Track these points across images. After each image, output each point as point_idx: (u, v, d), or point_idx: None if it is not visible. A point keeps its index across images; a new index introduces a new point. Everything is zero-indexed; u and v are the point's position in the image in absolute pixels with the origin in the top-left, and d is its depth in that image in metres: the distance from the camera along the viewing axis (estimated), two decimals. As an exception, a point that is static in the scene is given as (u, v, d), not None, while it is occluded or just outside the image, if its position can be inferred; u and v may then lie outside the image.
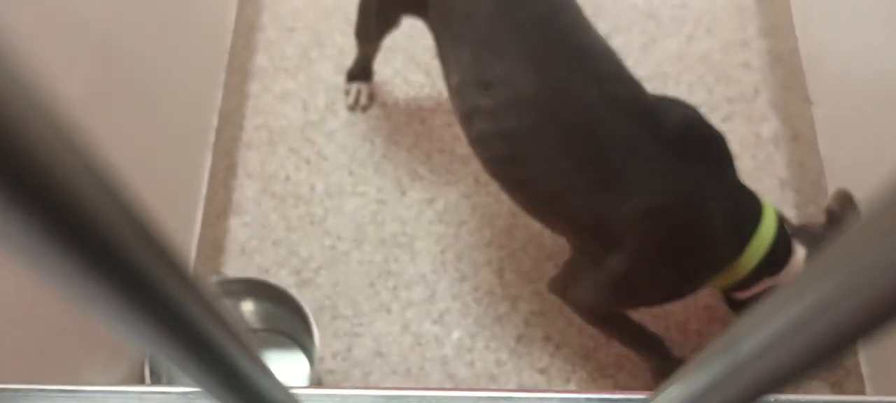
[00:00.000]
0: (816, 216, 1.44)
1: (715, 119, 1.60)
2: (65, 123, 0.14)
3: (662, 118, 1.02)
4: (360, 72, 1.60)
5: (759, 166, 1.56)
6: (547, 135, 1.01)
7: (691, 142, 1.03)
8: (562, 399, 0.32)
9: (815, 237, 1.09)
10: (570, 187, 1.02)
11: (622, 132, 0.99)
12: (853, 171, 1.35)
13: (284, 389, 0.25)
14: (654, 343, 1.27)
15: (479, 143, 1.09)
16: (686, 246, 1.03)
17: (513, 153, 1.04)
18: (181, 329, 0.19)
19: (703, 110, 1.60)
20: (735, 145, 1.59)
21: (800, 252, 1.08)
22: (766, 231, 1.06)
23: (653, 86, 1.63)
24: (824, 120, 1.47)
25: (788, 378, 0.20)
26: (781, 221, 1.09)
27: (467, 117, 1.08)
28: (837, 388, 1.34)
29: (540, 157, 1.02)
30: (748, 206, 1.06)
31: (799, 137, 1.54)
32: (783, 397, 0.40)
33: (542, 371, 1.38)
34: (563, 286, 1.19)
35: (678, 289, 1.11)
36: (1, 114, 0.12)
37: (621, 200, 0.99)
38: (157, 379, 1.16)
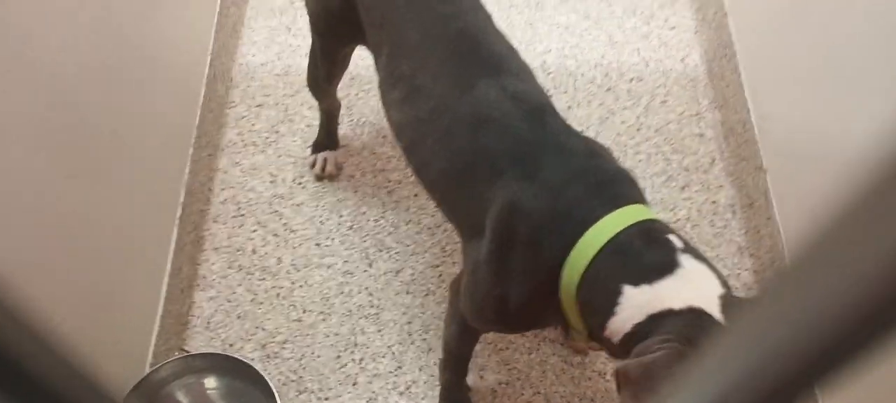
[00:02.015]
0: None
1: (673, 188, 1.65)
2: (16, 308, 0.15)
3: (549, 118, 1.00)
4: (326, 139, 1.63)
5: (718, 233, 1.60)
6: (437, 124, 1.04)
7: (571, 145, 0.97)
8: None
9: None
10: (454, 175, 1.03)
11: (507, 124, 0.98)
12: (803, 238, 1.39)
13: None
14: (460, 401, 1.34)
15: (396, 134, 1.14)
16: (520, 242, 0.93)
17: (412, 141, 1.09)
18: None
19: (662, 179, 1.66)
20: (693, 213, 1.63)
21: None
22: (588, 242, 0.87)
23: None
24: (778, 186, 1.52)
25: None
26: (630, 243, 0.86)
27: (386, 110, 1.15)
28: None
29: (431, 145, 1.05)
30: (586, 213, 0.89)
31: (754, 204, 1.59)
32: None
33: (510, 442, 1.37)
34: (457, 285, 1.14)
35: (519, 292, 0.95)
36: None
37: (491, 191, 0.97)
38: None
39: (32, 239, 1.01)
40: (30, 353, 0.17)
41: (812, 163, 1.41)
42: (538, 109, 1.01)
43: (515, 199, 0.93)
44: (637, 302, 0.83)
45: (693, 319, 0.80)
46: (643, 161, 1.69)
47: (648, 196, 1.63)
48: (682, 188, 1.66)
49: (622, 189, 0.94)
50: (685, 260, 0.85)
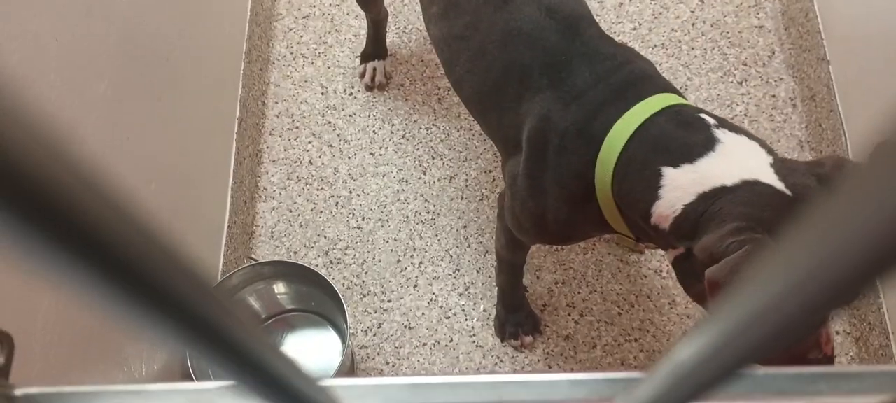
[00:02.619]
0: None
1: (730, 83, 1.61)
2: (84, 163, 0.16)
3: (584, 27, 0.97)
4: (374, 50, 1.63)
5: (777, 128, 1.57)
6: (471, 41, 1.04)
7: (601, 50, 0.94)
8: (570, 380, 0.35)
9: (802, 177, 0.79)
10: (487, 92, 1.02)
11: (538, 37, 0.97)
12: (872, 129, 1.36)
13: (309, 379, 0.28)
14: (516, 302, 1.36)
15: (436, 49, 1.14)
16: (550, 146, 0.92)
17: (449, 57, 1.09)
18: (200, 331, 0.22)
19: (718, 75, 1.62)
20: (751, 108, 1.60)
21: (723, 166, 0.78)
22: (616, 136, 0.85)
23: (666, 54, 1.65)
24: (841, 78, 1.47)
25: (768, 349, 0.20)
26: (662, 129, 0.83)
27: (427, 26, 1.15)
28: (861, 342, 1.36)
29: (465, 62, 1.05)
30: (611, 113, 0.87)
31: (816, 97, 1.54)
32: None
33: (567, 338, 1.42)
34: (502, 200, 1.15)
35: (555, 205, 0.94)
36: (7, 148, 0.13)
37: (523, 105, 0.96)
38: (197, 362, 1.21)
39: (105, 162, 1.06)
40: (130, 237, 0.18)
41: (878, 52, 1.36)
42: (573, 19, 0.98)
43: (544, 110, 0.92)
44: (681, 183, 0.79)
45: (752, 194, 0.75)
46: (698, 57, 1.65)
47: (703, 93, 1.60)
48: (740, 83, 1.62)
49: (647, 84, 0.90)
50: (723, 135, 0.81)
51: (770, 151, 0.80)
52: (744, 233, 0.71)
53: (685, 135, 0.82)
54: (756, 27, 1.68)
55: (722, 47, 1.66)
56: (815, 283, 0.16)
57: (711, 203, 0.77)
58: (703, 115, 0.84)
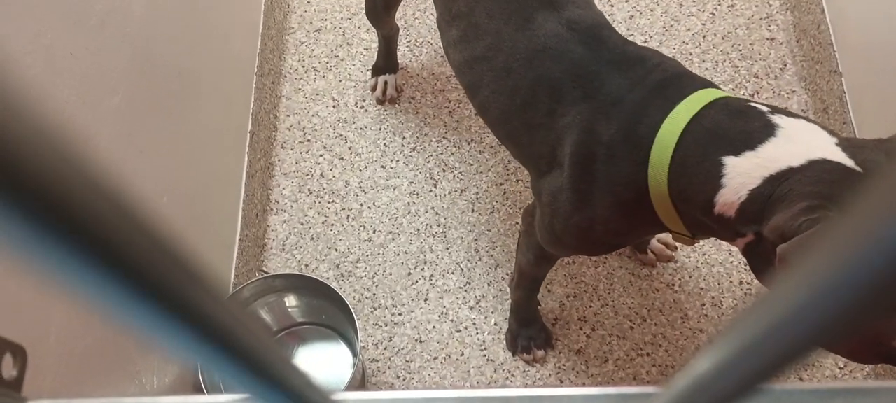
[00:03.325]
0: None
1: (742, 96, 1.60)
2: (97, 167, 0.16)
3: (606, 34, 0.97)
4: (385, 63, 1.64)
5: (789, 140, 1.56)
6: (495, 62, 1.03)
7: (628, 55, 0.94)
8: (583, 395, 0.34)
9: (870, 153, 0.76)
10: (516, 111, 1.01)
11: (563, 50, 0.96)
12: None
13: (322, 392, 0.28)
14: (530, 316, 1.37)
15: (457, 74, 1.12)
16: (597, 156, 0.91)
17: (472, 80, 1.07)
18: (213, 341, 0.21)
19: (730, 88, 1.61)
20: (764, 120, 1.59)
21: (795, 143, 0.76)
22: (666, 135, 0.84)
23: (678, 66, 1.64)
24: (855, 90, 1.46)
25: (836, 330, 0.18)
26: (713, 118, 0.82)
27: (446, 51, 1.14)
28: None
29: (490, 83, 1.04)
30: (655, 114, 0.86)
31: (829, 109, 1.53)
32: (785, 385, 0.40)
33: (579, 352, 1.40)
34: (530, 216, 1.14)
35: (606, 214, 0.94)
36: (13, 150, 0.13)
37: (555, 120, 0.95)
38: (209, 375, 1.21)
39: (118, 173, 1.06)
40: (140, 243, 0.18)
41: (891, 64, 1.35)
42: (594, 29, 0.98)
43: (584, 123, 0.91)
44: (745, 169, 0.77)
45: (821, 173, 0.72)
46: (710, 69, 1.64)
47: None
48: (752, 95, 1.61)
49: (686, 81, 0.89)
50: (781, 120, 0.78)
51: (833, 132, 0.78)
52: (816, 212, 0.68)
53: (741, 124, 0.80)
54: (768, 39, 1.67)
55: (733, 60, 1.65)
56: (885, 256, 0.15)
57: (779, 185, 0.74)
58: (754, 104, 0.83)
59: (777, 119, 0.79)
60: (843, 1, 1.53)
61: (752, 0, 1.72)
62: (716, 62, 1.65)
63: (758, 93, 1.61)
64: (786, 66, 1.64)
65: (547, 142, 0.97)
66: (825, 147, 0.74)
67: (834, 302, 0.17)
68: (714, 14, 1.71)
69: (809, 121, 0.79)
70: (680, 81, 0.89)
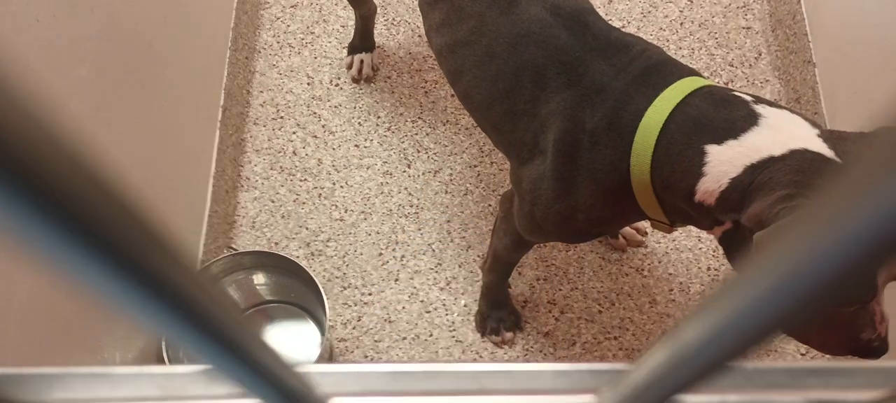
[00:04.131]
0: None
1: (716, 83, 1.62)
2: (66, 135, 0.15)
3: (590, 20, 0.96)
4: (361, 42, 1.62)
5: (761, 129, 1.58)
6: (478, 46, 1.02)
7: (613, 41, 0.93)
8: (553, 371, 0.34)
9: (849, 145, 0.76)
10: (498, 97, 1.00)
11: (546, 36, 0.96)
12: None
13: (287, 364, 0.27)
14: (500, 298, 1.37)
15: (439, 59, 1.11)
16: (581, 144, 0.91)
17: (454, 65, 1.06)
18: (179, 311, 0.21)
19: (705, 75, 1.62)
20: (737, 109, 1.60)
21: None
22: (649, 122, 0.84)
23: (654, 53, 1.65)
24: (827, 81, 1.48)
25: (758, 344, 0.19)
26: (698, 108, 0.82)
27: (427, 34, 1.13)
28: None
29: (472, 68, 1.03)
30: (639, 101, 0.86)
31: (801, 99, 1.55)
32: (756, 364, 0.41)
33: (547, 335, 1.41)
34: (508, 202, 1.13)
35: (588, 202, 0.93)
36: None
37: (538, 106, 0.95)
38: (172, 351, 1.19)
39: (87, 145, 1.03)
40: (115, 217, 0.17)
41: (865, 57, 1.37)
42: (578, 14, 0.97)
43: (568, 110, 0.91)
44: (727, 157, 0.77)
45: (801, 162, 0.72)
46: (686, 56, 1.65)
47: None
48: (726, 83, 1.62)
49: (670, 69, 0.90)
50: (764, 110, 0.79)
51: (815, 124, 0.78)
52: (794, 200, 0.69)
53: (725, 112, 0.80)
54: (744, 28, 1.69)
55: (709, 47, 1.66)
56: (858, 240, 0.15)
57: (759, 173, 0.75)
58: (738, 93, 0.83)
59: (760, 108, 0.79)
60: (818, -7, 1.54)
61: (729, -11, 1.73)
62: (692, 49, 1.66)
63: (732, 82, 1.62)
64: (760, 54, 1.66)
65: (530, 130, 0.96)
66: (807, 137, 0.74)
67: (799, 287, 0.18)
68: (691, 1, 1.71)
69: (793, 112, 0.80)
70: (664, 69, 0.89)
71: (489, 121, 1.05)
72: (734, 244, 0.79)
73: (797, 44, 1.58)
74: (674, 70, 0.89)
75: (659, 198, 0.86)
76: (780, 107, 0.81)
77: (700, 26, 1.68)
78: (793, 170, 0.72)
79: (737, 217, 0.76)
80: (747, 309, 0.20)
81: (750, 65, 1.64)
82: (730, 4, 1.71)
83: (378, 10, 1.63)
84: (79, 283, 0.17)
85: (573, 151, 0.91)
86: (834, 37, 1.48)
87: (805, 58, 1.54)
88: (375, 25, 1.64)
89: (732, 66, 1.64)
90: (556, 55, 0.94)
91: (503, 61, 0.99)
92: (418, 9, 1.16)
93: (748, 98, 0.82)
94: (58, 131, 0.15)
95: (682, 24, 1.69)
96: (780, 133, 0.76)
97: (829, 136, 0.75)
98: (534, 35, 0.96)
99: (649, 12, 1.70)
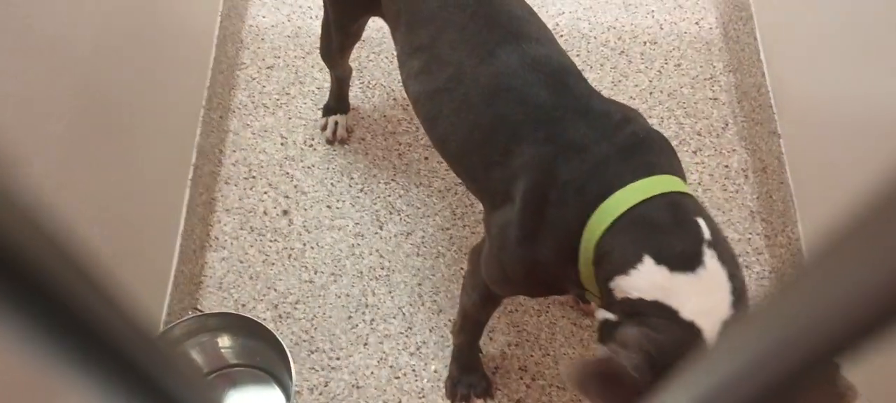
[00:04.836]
0: (787, 245, 1.47)
1: (685, 152, 1.64)
2: (31, 211, 0.15)
3: (571, 81, 0.98)
4: (336, 104, 1.63)
5: (729, 197, 1.60)
6: (456, 94, 1.03)
7: (596, 107, 0.95)
8: None
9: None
10: (474, 147, 1.01)
11: (526, 92, 0.97)
12: (821, 201, 1.39)
13: None
14: (471, 363, 1.36)
15: (415, 107, 1.12)
16: (549, 199, 0.92)
17: (431, 112, 1.07)
18: (137, 381, 0.20)
19: (674, 144, 1.65)
20: (705, 177, 1.63)
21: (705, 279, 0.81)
22: (615, 203, 0.86)
23: (625, 121, 1.67)
24: (792, 151, 1.51)
25: None
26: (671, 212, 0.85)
27: (405, 84, 1.14)
28: None
29: (449, 115, 1.04)
30: (613, 177, 0.88)
31: (767, 169, 1.58)
32: None
33: (518, 402, 1.39)
34: (477, 254, 1.13)
35: (548, 256, 0.94)
36: None
37: (513, 159, 0.96)
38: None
39: (52, 201, 1.02)
40: (69, 279, 0.17)
41: (828, 128, 1.40)
42: (559, 73, 0.99)
43: (543, 163, 0.92)
44: (653, 280, 0.82)
45: (679, 340, 0.78)
46: (655, 124, 1.68)
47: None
48: (695, 152, 1.65)
49: (653, 156, 0.91)
50: (709, 259, 0.82)
51: (737, 299, 0.81)
52: (646, 369, 0.75)
53: (678, 237, 0.84)
54: (711, 99, 1.72)
55: (678, 117, 1.70)
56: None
57: (658, 315, 0.80)
58: (701, 221, 0.85)
59: (707, 256, 0.83)
60: (783, 66, 1.59)
61: (697, 61, 1.77)
62: (661, 118, 1.69)
63: (700, 151, 1.65)
64: (727, 124, 1.69)
65: (502, 180, 0.97)
66: (714, 316, 0.79)
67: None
68: (660, 72, 1.75)
69: (729, 276, 0.82)
70: (649, 152, 0.91)
71: (464, 168, 1.06)
72: (604, 335, 0.85)
73: (762, 115, 1.61)
74: (656, 160, 0.91)
75: (596, 272, 0.89)
76: (725, 262, 0.83)
77: (669, 96, 1.72)
78: (674, 343, 0.78)
79: (621, 322, 0.83)
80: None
81: (717, 134, 1.68)
82: (697, 76, 1.75)
83: (354, 73, 1.65)
84: (27, 346, 0.17)
85: (542, 203, 0.93)
86: (798, 109, 1.52)
87: (770, 129, 1.57)
88: (351, 88, 1.65)
89: (700, 135, 1.67)
90: (535, 113, 0.96)
91: (480, 112, 1.00)
92: (394, 70, 1.17)
93: (706, 234, 0.84)
94: (11, 189, 0.15)
95: (651, 93, 1.72)
96: (702, 295, 0.81)
97: (728, 325, 0.80)
98: (514, 91, 0.98)
99: (620, 81, 1.74)
